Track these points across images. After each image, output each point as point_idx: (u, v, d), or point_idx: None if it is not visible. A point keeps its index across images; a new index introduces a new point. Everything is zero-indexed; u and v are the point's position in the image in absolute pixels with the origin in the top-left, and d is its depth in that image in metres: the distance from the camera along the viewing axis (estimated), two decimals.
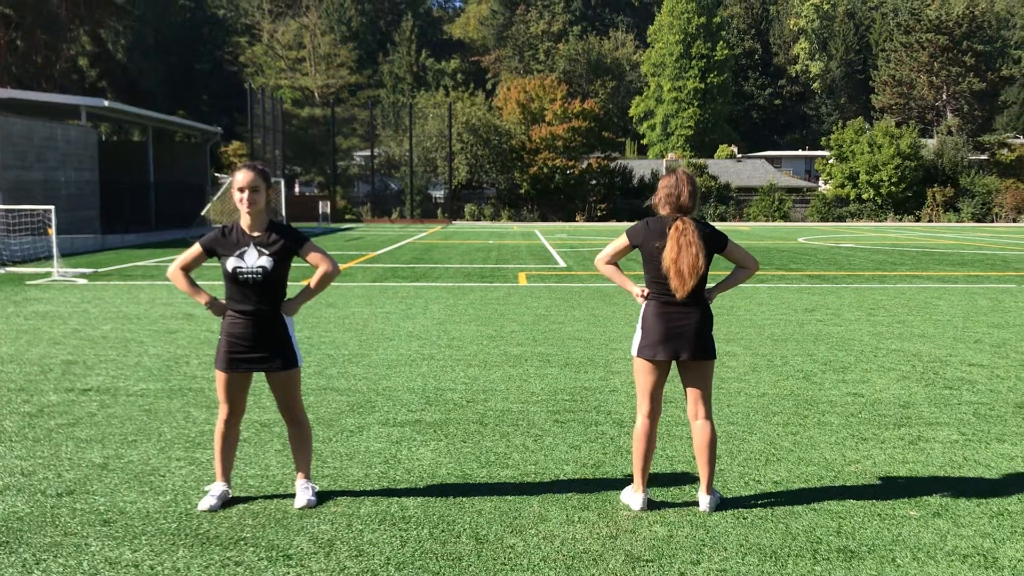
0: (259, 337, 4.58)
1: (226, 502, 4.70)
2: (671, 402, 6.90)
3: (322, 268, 4.64)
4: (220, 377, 4.66)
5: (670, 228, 4.58)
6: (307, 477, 4.80)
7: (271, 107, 50.02)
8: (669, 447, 5.78)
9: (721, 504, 4.72)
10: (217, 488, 4.72)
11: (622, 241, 4.75)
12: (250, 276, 4.51)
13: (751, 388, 7.50)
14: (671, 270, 4.53)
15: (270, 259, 4.52)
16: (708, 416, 4.72)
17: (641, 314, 4.74)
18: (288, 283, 4.72)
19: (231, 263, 4.51)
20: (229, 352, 4.60)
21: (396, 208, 56.69)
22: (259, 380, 7.13)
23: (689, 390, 4.73)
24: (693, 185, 4.64)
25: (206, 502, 4.62)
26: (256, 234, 4.56)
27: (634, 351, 4.73)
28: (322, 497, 4.79)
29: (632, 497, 4.69)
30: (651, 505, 4.70)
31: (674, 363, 4.71)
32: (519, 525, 4.43)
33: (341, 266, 19.64)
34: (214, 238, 4.61)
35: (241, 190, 4.51)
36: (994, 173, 57.67)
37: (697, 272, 4.52)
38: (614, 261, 4.83)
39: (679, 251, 4.51)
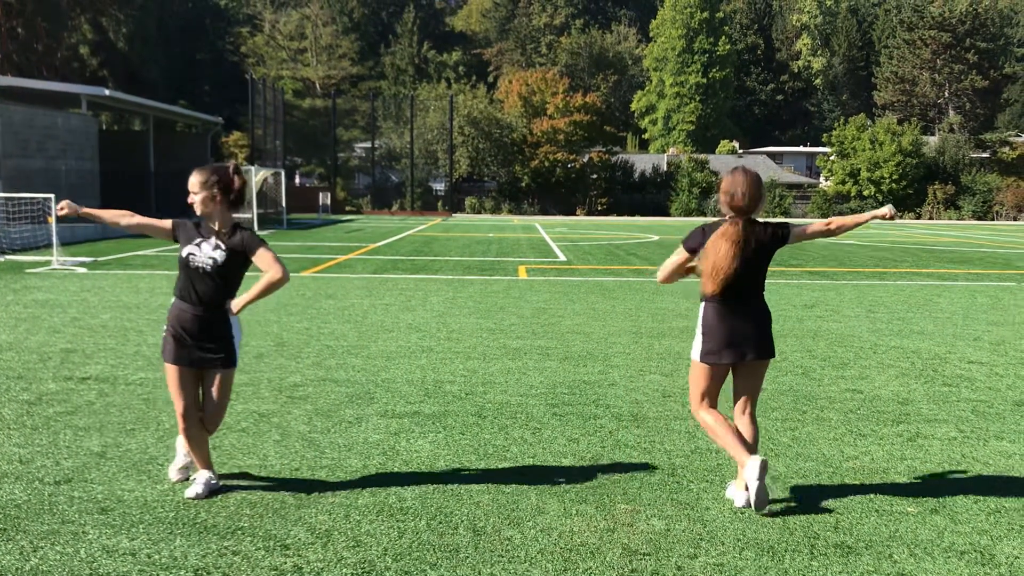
0: (203, 331, 4.58)
1: (215, 491, 4.69)
2: (669, 396, 6.90)
3: (269, 274, 4.55)
4: (170, 371, 4.62)
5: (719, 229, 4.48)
6: (209, 470, 4.77)
7: (272, 98, 49.93)
8: (667, 441, 5.77)
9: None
10: (203, 476, 4.70)
11: (680, 254, 4.62)
12: (200, 265, 4.55)
13: None
14: (703, 271, 4.46)
15: (224, 253, 4.56)
16: (754, 414, 4.70)
17: (701, 317, 4.62)
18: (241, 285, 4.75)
19: (185, 250, 4.59)
20: (175, 342, 4.59)
21: (396, 200, 56.62)
22: (252, 371, 7.14)
23: (741, 388, 4.68)
24: (751, 185, 4.46)
25: (192, 490, 4.62)
26: (220, 230, 4.62)
27: (696, 355, 4.61)
28: (321, 488, 4.79)
29: (736, 492, 4.59)
30: (648, 499, 4.69)
31: None
32: (517, 517, 4.43)
33: (340, 257, 19.70)
34: (180, 223, 4.71)
35: (191, 189, 4.60)
36: (995, 171, 57.64)
37: (722, 274, 4.39)
38: (673, 279, 4.72)
39: (710, 251, 4.44)
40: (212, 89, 77.10)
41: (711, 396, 4.65)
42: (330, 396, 6.82)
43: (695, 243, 4.56)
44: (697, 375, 4.65)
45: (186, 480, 4.80)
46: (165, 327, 4.68)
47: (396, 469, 5.14)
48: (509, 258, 20.63)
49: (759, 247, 4.50)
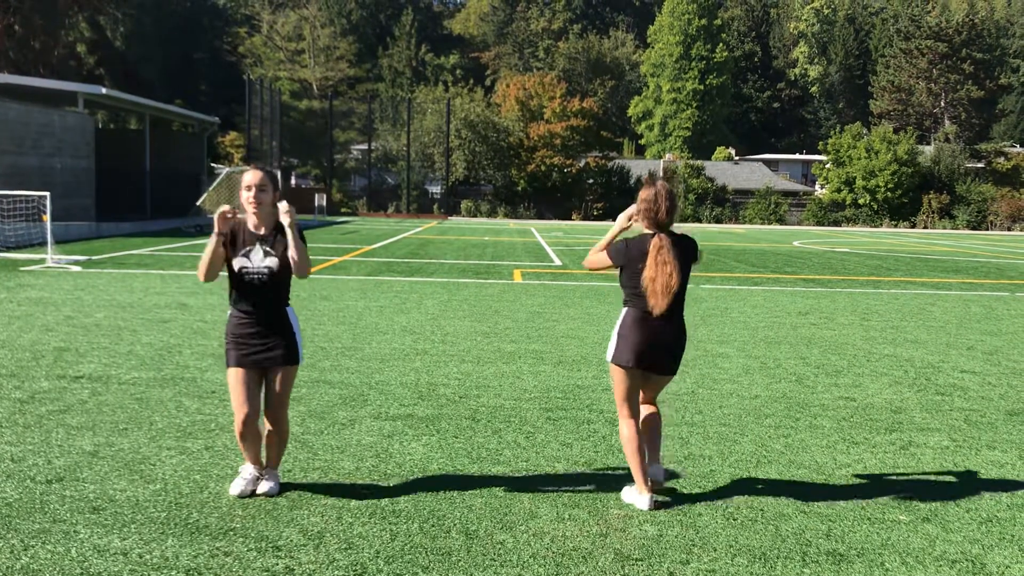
0: (264, 335, 4.58)
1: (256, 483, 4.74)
2: (662, 402, 6.89)
3: (298, 260, 4.52)
4: (232, 375, 4.59)
5: (649, 246, 4.64)
6: (275, 468, 4.82)
7: (269, 98, 49.92)
8: (661, 447, 5.76)
9: (670, 476, 5.05)
10: (247, 471, 4.73)
11: (605, 259, 4.83)
12: (256, 276, 4.53)
13: (743, 390, 7.51)
14: (648, 289, 4.62)
15: (276, 259, 4.55)
16: (655, 402, 4.99)
17: (620, 320, 4.78)
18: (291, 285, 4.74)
19: (237, 263, 4.54)
20: (237, 349, 4.58)
21: (392, 202, 56.63)
22: None
23: (646, 392, 4.94)
24: (671, 200, 4.70)
25: (237, 485, 4.65)
26: (262, 233, 4.58)
27: (610, 356, 4.80)
28: (313, 489, 4.79)
29: (639, 498, 4.68)
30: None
31: None
32: (509, 521, 4.43)
33: (335, 259, 19.69)
34: (222, 236, 4.56)
35: (248, 188, 4.52)
36: (990, 181, 57.85)
37: (671, 291, 4.61)
38: (597, 271, 4.96)
39: (656, 270, 4.59)
40: (209, 89, 77.07)
41: (631, 400, 4.80)
42: (323, 398, 6.81)
43: (619, 259, 4.75)
44: (613, 376, 4.83)
45: (253, 494, 4.72)
46: (226, 339, 4.64)
47: (389, 472, 5.13)
48: (504, 262, 20.63)
49: (684, 260, 4.71)
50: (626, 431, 4.76)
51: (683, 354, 4.83)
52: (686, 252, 4.73)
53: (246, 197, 4.53)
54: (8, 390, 6.80)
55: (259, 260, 4.53)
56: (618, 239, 4.83)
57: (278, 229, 4.60)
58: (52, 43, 50.82)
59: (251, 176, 4.55)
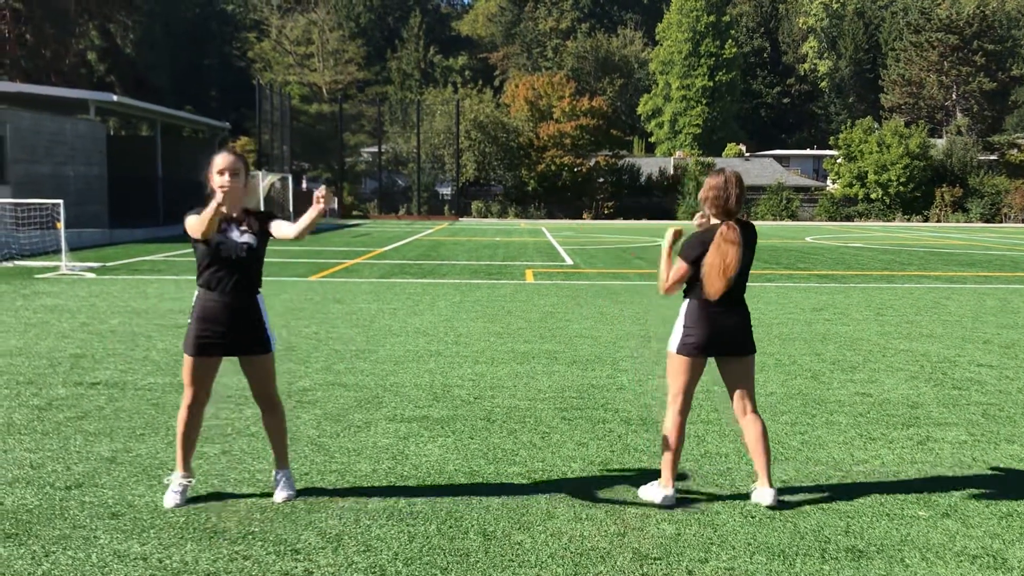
0: (235, 320, 4.53)
1: (189, 496, 4.66)
2: None
3: (296, 226, 4.48)
4: (188, 361, 4.57)
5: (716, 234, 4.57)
6: (286, 468, 4.79)
7: (279, 103, 50.05)
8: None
9: (780, 500, 4.72)
10: (176, 480, 4.65)
11: (681, 265, 4.66)
12: (234, 251, 4.50)
13: (759, 387, 7.46)
14: (708, 274, 4.52)
15: (254, 237, 4.56)
16: (756, 410, 4.80)
17: (684, 311, 4.70)
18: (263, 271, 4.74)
19: (214, 239, 4.47)
20: (200, 336, 4.53)
21: (403, 205, 56.71)
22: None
23: (733, 385, 4.78)
24: (741, 188, 4.62)
25: (171, 499, 4.57)
26: (234, 216, 4.58)
27: (674, 347, 4.70)
28: (330, 492, 4.80)
29: (657, 491, 4.66)
30: (657, 504, 4.68)
31: (710, 360, 4.76)
32: (527, 522, 4.43)
33: (348, 262, 19.74)
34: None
35: (221, 172, 4.44)
36: (1003, 173, 57.41)
37: (728, 276, 4.52)
38: (676, 290, 4.73)
39: (719, 257, 4.50)
40: (219, 94, 77.37)
41: (687, 394, 4.70)
42: (339, 400, 6.83)
43: (696, 253, 4.60)
44: (673, 367, 4.72)
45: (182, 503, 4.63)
46: (190, 318, 4.60)
47: (405, 473, 5.14)
48: (516, 262, 20.63)
49: (748, 248, 4.67)
50: (670, 423, 4.69)
51: (751, 330, 4.78)
52: (750, 239, 4.68)
53: (219, 181, 4.43)
54: (26, 397, 6.84)
55: (237, 236, 4.51)
56: (687, 236, 4.69)
57: (248, 212, 4.61)
58: (63, 51, 51.10)
59: (223, 160, 4.47)
